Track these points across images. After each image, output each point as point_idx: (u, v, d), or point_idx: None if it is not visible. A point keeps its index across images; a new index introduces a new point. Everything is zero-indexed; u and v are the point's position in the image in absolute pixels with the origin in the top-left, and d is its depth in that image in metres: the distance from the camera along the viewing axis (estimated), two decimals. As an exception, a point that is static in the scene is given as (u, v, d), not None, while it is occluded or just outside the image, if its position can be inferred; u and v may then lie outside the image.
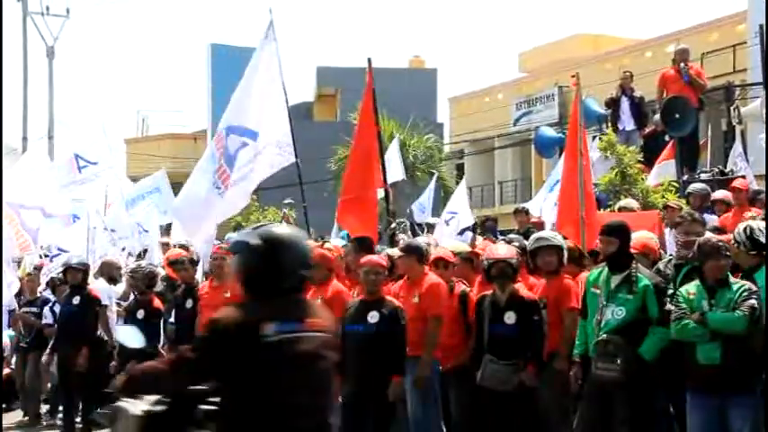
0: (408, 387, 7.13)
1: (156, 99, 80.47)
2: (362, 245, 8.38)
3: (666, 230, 8.66)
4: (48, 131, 28.66)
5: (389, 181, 10.35)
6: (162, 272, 10.53)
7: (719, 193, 9.88)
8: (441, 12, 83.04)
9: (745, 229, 6.06)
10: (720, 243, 5.94)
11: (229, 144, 9.92)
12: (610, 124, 13.43)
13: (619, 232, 6.48)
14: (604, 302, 6.26)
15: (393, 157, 13.81)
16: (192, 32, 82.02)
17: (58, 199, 13.08)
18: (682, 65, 12.85)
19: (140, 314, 9.30)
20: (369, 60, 9.80)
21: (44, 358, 10.62)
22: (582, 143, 8.00)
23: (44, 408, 11.54)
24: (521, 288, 6.88)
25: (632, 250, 6.73)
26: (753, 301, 5.67)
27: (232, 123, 10.02)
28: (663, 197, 10.75)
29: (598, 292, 6.33)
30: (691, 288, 5.93)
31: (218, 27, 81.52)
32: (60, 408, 10.57)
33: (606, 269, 6.40)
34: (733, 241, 6.06)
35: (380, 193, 9.82)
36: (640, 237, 7.04)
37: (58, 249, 11.92)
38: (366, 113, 9.66)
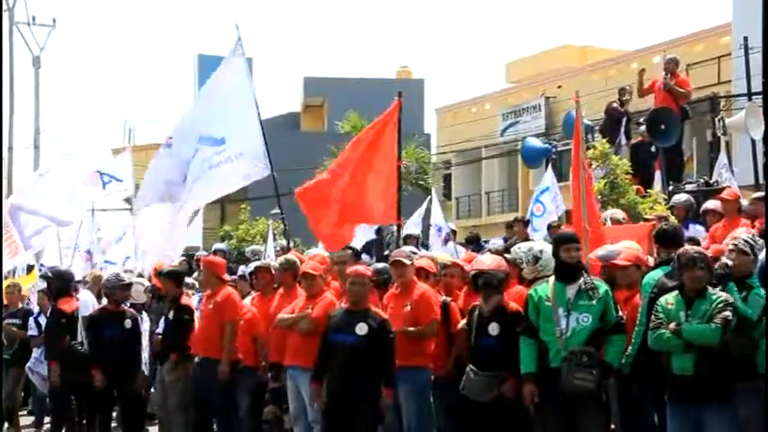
0: (402, 396, 7.20)
1: (143, 109, 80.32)
2: (359, 254, 8.43)
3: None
4: (33, 141, 28.61)
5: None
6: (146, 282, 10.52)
7: (711, 204, 9.88)
8: (428, 23, 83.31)
9: (746, 241, 6.09)
10: (696, 255, 5.98)
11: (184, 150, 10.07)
12: (601, 136, 13.48)
13: (579, 240, 6.62)
14: (564, 313, 6.25)
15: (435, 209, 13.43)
16: (179, 43, 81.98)
17: (70, 208, 13.09)
18: (663, 74, 13.01)
19: (128, 324, 9.26)
20: (399, 94, 9.24)
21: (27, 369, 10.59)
22: (584, 156, 8.01)
23: (29, 419, 11.49)
24: (508, 299, 6.83)
25: (625, 262, 6.77)
26: (727, 313, 5.72)
27: (202, 133, 10.09)
28: (652, 208, 10.79)
29: (549, 305, 6.32)
30: (670, 298, 5.98)
31: (206, 38, 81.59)
32: (47, 419, 10.52)
33: (553, 282, 6.39)
34: (735, 251, 6.06)
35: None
36: (631, 248, 7.07)
37: (105, 262, 12.43)
38: (389, 146, 9.16)
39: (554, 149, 15.87)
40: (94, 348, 9.15)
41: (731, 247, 6.13)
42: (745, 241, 6.09)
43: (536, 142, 16.76)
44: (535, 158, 16.21)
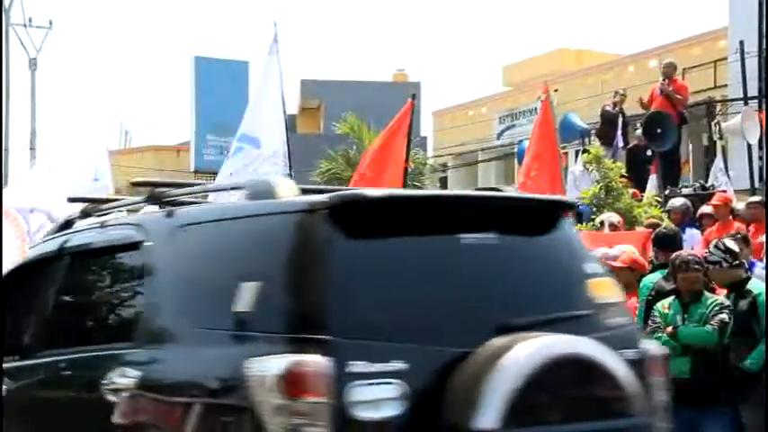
0: None
1: (140, 111, 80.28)
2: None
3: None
4: (30, 143, 28.58)
5: None
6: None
7: (707, 208, 9.88)
8: (424, 26, 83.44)
9: (717, 246, 6.17)
10: (690, 257, 6.05)
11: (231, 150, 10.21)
12: (597, 139, 13.47)
13: None
14: None
15: None
16: (176, 45, 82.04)
17: (63, 205, 13.21)
18: (661, 79, 13.03)
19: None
20: (413, 96, 9.78)
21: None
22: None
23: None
24: None
25: (620, 264, 6.78)
26: (723, 316, 5.78)
27: (243, 132, 10.25)
28: (646, 212, 10.81)
29: None
30: (666, 303, 6.04)
31: (202, 40, 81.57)
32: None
33: None
34: (711, 265, 6.10)
35: None
36: (629, 252, 7.09)
37: None
38: (399, 148, 9.60)
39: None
40: None
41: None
42: (717, 249, 6.14)
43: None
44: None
